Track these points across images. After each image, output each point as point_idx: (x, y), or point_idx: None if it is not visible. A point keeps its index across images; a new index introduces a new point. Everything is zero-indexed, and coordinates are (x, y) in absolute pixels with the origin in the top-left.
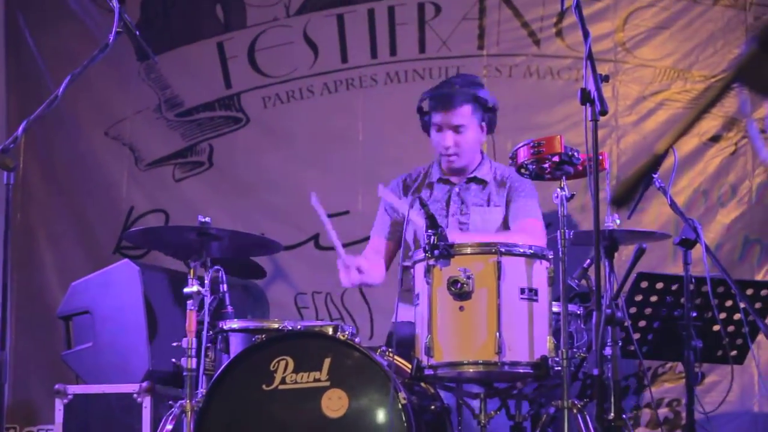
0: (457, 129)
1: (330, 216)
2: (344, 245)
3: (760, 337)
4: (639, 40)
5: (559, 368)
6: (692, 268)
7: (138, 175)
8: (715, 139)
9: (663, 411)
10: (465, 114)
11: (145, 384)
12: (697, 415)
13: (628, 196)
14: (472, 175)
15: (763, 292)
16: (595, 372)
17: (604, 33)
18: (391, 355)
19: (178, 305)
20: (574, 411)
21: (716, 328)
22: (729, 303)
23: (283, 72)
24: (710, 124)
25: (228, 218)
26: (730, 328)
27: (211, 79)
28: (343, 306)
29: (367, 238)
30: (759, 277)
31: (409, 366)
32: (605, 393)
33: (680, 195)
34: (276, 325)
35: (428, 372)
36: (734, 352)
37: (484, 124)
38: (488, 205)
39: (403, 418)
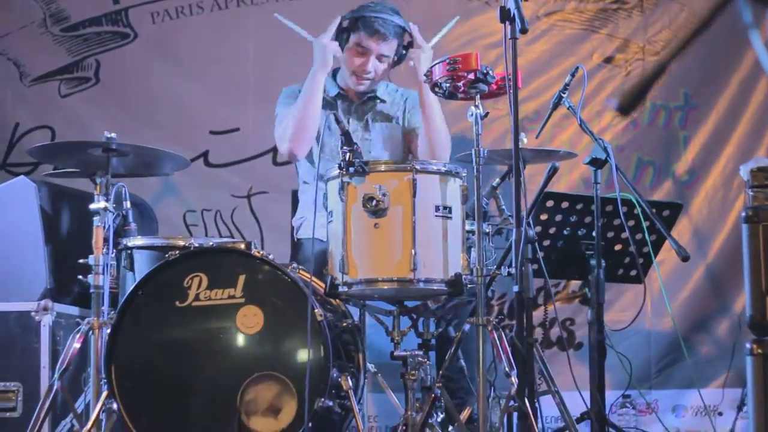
0: (381, 58)
1: (220, 133)
2: (235, 162)
3: (660, 257)
4: None
5: (473, 285)
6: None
7: (23, 90)
8: (608, 60)
9: (555, 330)
10: (393, 46)
11: (43, 302)
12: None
13: (635, 102)
14: (372, 94)
15: (665, 213)
16: (515, 289)
17: None
18: (301, 272)
19: (75, 222)
20: (489, 328)
21: (618, 247)
22: (631, 223)
23: None
24: (605, 46)
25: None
26: (632, 248)
27: None
28: (233, 223)
29: (257, 156)
30: (654, 199)
31: (321, 283)
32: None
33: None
34: (182, 243)
35: (342, 289)
36: (634, 272)
37: (397, 57)
38: (389, 122)
39: (320, 335)
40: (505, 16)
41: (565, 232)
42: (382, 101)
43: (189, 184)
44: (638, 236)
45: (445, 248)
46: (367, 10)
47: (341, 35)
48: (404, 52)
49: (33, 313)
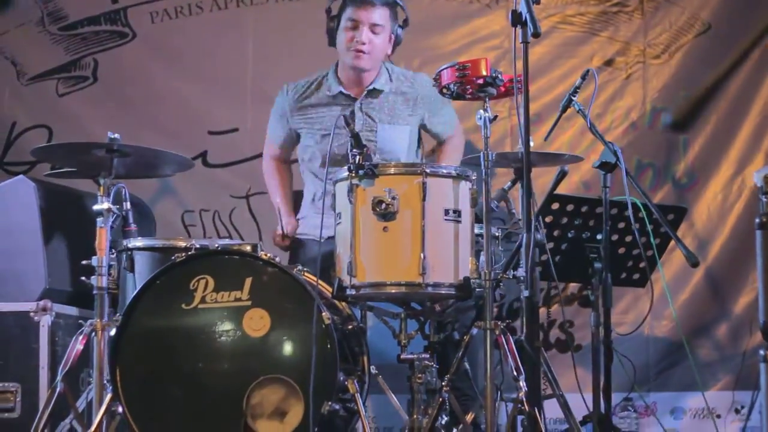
0: (374, 28)
1: (218, 133)
2: (234, 163)
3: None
4: None
5: (481, 289)
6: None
7: (20, 89)
8: (609, 63)
9: (555, 332)
10: (384, 15)
11: (42, 302)
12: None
13: (691, 118)
14: (370, 87)
15: (669, 216)
16: (525, 294)
17: None
18: (307, 274)
19: (74, 223)
20: (497, 332)
21: (622, 251)
22: (636, 226)
23: None
24: (606, 49)
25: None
26: (635, 251)
27: None
28: (231, 224)
29: (255, 157)
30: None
31: (327, 286)
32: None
33: (574, 117)
34: (183, 243)
35: (350, 292)
36: (637, 275)
37: (392, 36)
38: (394, 122)
39: (327, 338)
40: (517, 19)
41: (570, 235)
42: (380, 91)
43: (187, 184)
44: (642, 240)
45: (455, 252)
46: None
47: (333, 22)
48: (400, 29)
49: (32, 314)
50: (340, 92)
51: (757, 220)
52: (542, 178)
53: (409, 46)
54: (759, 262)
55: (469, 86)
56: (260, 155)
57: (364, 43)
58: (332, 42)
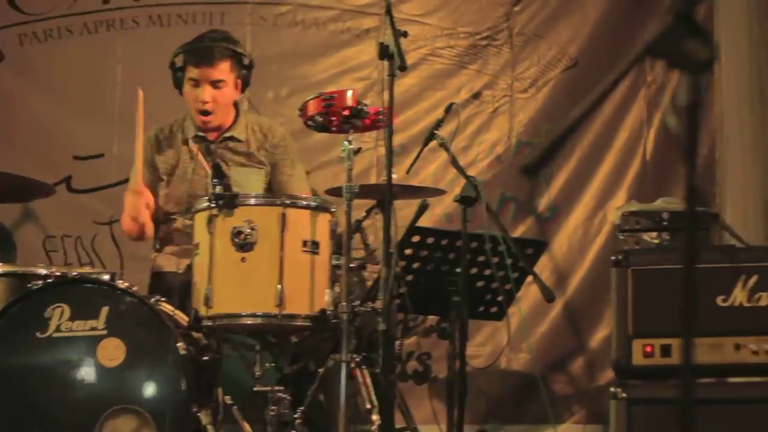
0: (215, 84)
1: (84, 158)
2: (98, 189)
3: (519, 292)
4: None
5: (336, 320)
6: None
7: None
8: (476, 96)
9: (413, 364)
10: (224, 69)
11: None
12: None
13: (541, 164)
14: (228, 134)
15: (528, 251)
16: (382, 328)
17: None
18: (163, 304)
19: None
20: (352, 365)
21: (480, 284)
22: (495, 260)
23: (42, 10)
24: (474, 82)
25: None
26: (494, 285)
27: None
28: (94, 251)
29: (120, 182)
30: (515, 235)
31: (184, 316)
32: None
33: (440, 150)
34: (43, 271)
35: (206, 323)
36: (495, 309)
37: (239, 81)
38: (248, 165)
39: (182, 369)
40: (384, 52)
41: (429, 268)
42: (239, 141)
43: (50, 209)
44: (501, 273)
45: (312, 284)
46: (193, 43)
47: (176, 75)
48: (246, 71)
49: None
50: (196, 135)
51: (613, 258)
52: (404, 211)
53: (278, 74)
54: (613, 299)
55: (334, 118)
56: (125, 181)
57: (206, 102)
58: (181, 92)
